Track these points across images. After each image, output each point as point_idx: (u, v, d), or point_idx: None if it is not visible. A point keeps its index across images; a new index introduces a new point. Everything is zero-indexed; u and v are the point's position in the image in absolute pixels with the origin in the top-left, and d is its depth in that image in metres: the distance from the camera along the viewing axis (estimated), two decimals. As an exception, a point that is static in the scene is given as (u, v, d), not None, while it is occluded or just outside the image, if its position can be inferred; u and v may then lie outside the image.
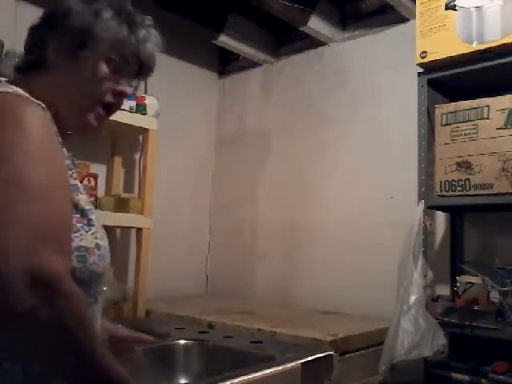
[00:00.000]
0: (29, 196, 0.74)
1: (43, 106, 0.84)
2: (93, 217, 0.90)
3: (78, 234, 0.84)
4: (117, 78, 0.95)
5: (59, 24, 0.92)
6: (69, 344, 0.71)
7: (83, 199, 0.90)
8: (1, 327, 0.70)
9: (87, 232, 0.87)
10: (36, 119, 0.81)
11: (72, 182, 0.88)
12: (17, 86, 0.86)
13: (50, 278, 0.70)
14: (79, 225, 0.86)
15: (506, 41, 1.63)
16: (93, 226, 0.89)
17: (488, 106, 1.66)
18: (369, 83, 2.38)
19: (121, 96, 0.97)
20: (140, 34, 0.97)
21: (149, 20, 1.01)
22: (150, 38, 0.99)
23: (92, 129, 0.97)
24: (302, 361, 1.38)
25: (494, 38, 1.65)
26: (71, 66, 0.92)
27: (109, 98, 0.95)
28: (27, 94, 0.84)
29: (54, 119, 0.88)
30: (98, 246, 0.88)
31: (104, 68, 0.93)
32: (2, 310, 0.68)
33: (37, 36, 0.94)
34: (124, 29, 0.95)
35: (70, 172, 0.89)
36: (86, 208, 0.89)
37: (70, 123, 0.96)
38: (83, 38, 0.91)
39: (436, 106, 1.79)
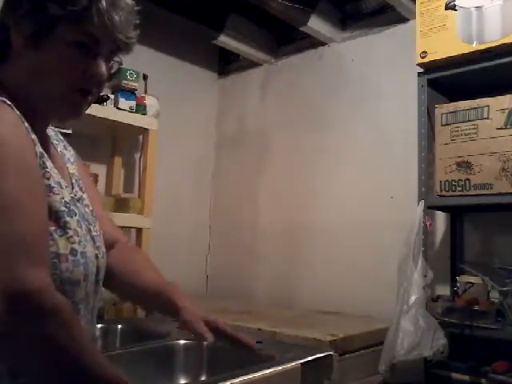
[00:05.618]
0: None
1: (8, 102, 0.77)
2: (71, 218, 0.83)
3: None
4: (88, 59, 0.85)
5: (18, 6, 0.82)
6: (59, 356, 0.69)
7: (57, 200, 0.82)
8: None
9: (60, 236, 0.80)
10: (2, 122, 0.74)
11: (45, 182, 0.81)
12: None
13: (31, 293, 0.67)
14: (51, 229, 0.79)
15: (506, 41, 1.63)
16: (69, 229, 0.82)
17: (488, 105, 1.66)
18: (369, 83, 2.38)
19: (95, 78, 0.86)
20: (102, 5, 0.82)
21: None
22: (117, 7, 0.84)
23: (72, 117, 0.90)
24: (301, 361, 1.38)
25: (494, 38, 1.65)
26: (36, 54, 0.83)
27: (84, 84, 0.86)
28: None
29: (29, 112, 0.82)
30: (73, 252, 0.81)
31: (71, 53, 0.83)
32: None
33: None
34: (82, 2, 0.81)
35: (42, 171, 0.82)
36: (61, 209, 0.82)
37: (49, 114, 0.90)
38: (43, 22, 0.81)
39: (436, 105, 1.79)
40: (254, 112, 2.84)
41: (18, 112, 0.79)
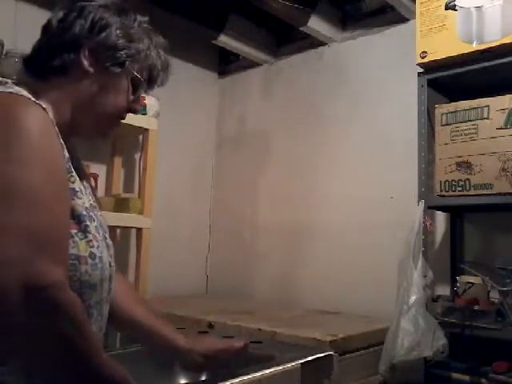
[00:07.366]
0: (24, 204, 0.71)
1: (44, 106, 0.81)
2: (91, 223, 0.86)
3: (70, 241, 0.81)
4: (134, 95, 0.98)
5: (95, 35, 0.90)
6: (69, 353, 0.71)
7: (80, 204, 0.86)
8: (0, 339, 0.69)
9: (81, 239, 0.83)
10: (34, 121, 0.77)
11: (70, 185, 0.85)
12: (32, 90, 0.83)
13: (46, 288, 0.69)
14: (73, 231, 0.82)
15: (506, 41, 1.63)
16: (89, 233, 0.85)
17: (488, 105, 1.66)
18: (369, 83, 2.38)
19: (134, 112, 1.01)
20: (164, 59, 1.00)
21: (162, 40, 1.02)
22: (169, 61, 1.02)
23: (105, 139, 1.02)
24: (301, 361, 1.38)
25: (494, 38, 1.65)
26: (102, 79, 0.92)
27: (124, 114, 0.99)
28: (26, 94, 0.80)
29: (63, 125, 0.87)
30: (92, 256, 0.84)
31: (128, 85, 0.95)
32: None
33: (69, 40, 0.90)
34: (153, 53, 0.97)
35: (68, 175, 0.85)
36: (83, 213, 0.85)
37: (87, 133, 0.97)
38: (119, 55, 0.91)
39: (436, 105, 1.79)
40: (254, 112, 2.84)
41: (50, 116, 0.82)
